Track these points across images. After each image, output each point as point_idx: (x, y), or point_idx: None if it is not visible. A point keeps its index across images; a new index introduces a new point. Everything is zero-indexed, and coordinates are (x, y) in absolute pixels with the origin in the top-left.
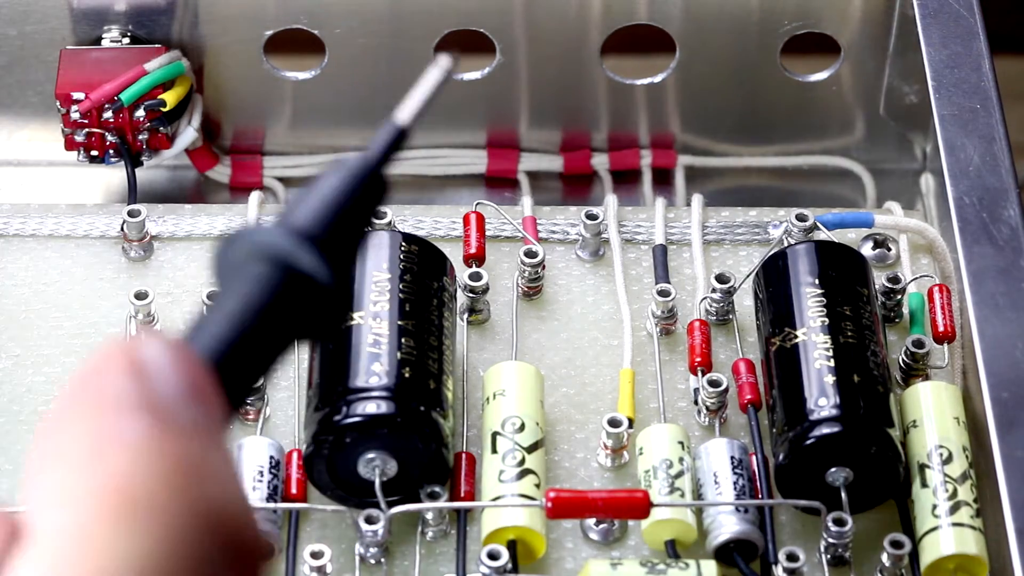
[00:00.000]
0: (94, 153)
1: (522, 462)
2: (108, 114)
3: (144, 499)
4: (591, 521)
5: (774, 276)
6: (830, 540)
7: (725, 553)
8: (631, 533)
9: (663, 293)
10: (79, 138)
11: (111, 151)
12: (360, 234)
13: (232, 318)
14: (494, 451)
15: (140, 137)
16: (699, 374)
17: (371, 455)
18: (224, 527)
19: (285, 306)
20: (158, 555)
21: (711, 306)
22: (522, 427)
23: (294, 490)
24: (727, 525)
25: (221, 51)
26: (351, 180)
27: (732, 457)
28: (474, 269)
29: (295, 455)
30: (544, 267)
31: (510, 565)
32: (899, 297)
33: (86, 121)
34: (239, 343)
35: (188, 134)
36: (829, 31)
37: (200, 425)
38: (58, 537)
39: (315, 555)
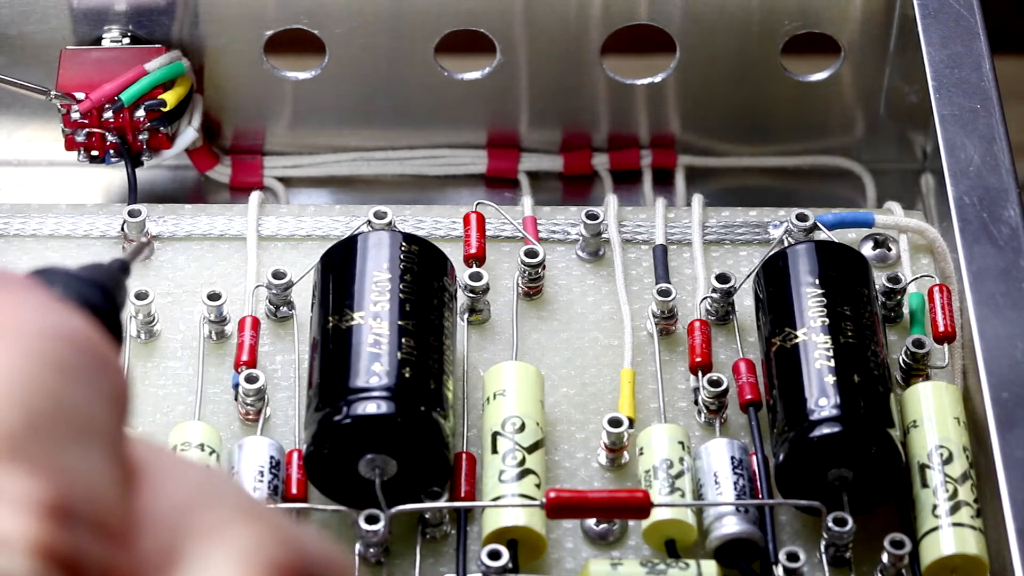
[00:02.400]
0: (94, 153)
1: (522, 462)
2: (108, 114)
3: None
4: (591, 521)
5: (774, 276)
6: (830, 540)
7: (725, 553)
8: (631, 533)
9: (663, 293)
10: (79, 138)
11: (111, 151)
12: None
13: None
14: (494, 451)
15: (140, 137)
16: (699, 374)
17: (371, 455)
18: (77, 336)
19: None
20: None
21: (711, 306)
22: (522, 427)
23: (294, 490)
24: (727, 525)
25: (221, 51)
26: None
27: (732, 457)
28: (474, 269)
29: (295, 455)
30: (544, 267)
31: (510, 565)
32: (899, 297)
33: (86, 121)
34: None
35: (188, 134)
36: (829, 31)
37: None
38: None
39: None
